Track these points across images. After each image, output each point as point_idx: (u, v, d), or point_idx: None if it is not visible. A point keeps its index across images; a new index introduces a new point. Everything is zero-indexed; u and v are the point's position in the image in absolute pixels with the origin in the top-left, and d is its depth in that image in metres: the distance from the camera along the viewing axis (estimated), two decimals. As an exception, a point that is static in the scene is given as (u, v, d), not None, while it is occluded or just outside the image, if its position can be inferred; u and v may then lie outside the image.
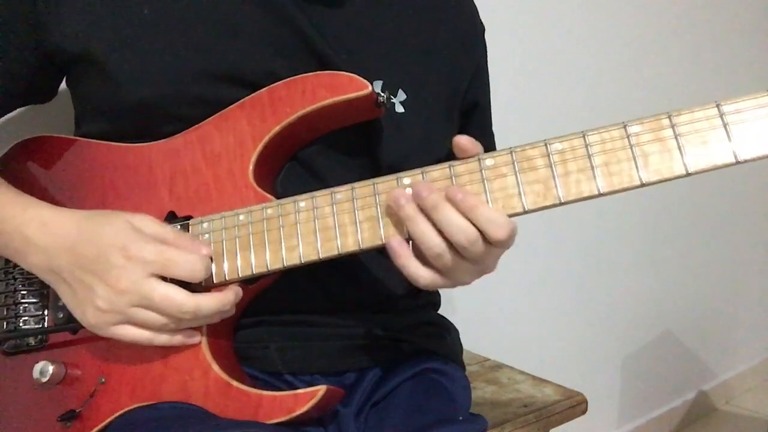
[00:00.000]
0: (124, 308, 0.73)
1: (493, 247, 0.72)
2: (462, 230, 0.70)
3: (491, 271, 0.77)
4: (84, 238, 0.75)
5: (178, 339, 0.77)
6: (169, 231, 0.77)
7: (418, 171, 0.75)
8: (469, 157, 0.74)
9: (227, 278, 0.79)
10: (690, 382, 2.66)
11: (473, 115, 1.04)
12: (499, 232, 0.70)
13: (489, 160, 0.73)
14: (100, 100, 0.86)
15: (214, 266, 0.79)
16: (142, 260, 0.73)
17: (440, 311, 1.10)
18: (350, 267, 0.90)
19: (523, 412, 1.21)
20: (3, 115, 0.92)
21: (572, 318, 2.15)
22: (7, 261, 0.88)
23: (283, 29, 0.86)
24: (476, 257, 0.71)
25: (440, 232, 0.71)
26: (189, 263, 0.74)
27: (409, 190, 0.73)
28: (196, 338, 0.78)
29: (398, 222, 0.74)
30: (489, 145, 1.06)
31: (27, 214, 0.78)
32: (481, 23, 1.05)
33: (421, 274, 0.73)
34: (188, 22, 0.84)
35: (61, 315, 0.84)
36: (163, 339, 0.77)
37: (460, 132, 1.00)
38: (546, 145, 0.72)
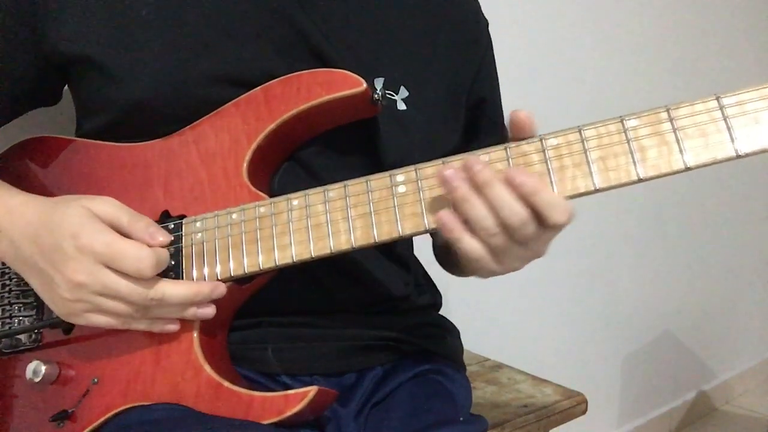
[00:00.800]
0: (88, 297, 0.73)
1: (547, 230, 0.70)
2: (514, 211, 0.67)
3: (542, 255, 0.74)
4: (44, 226, 0.74)
5: (158, 325, 0.77)
6: (124, 215, 0.75)
7: (411, 168, 0.74)
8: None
9: (219, 278, 0.78)
10: (690, 382, 2.67)
11: (482, 111, 1.02)
12: (560, 216, 0.67)
13: (484, 156, 0.72)
14: (99, 101, 0.86)
15: (206, 266, 0.78)
16: (91, 250, 0.71)
17: (440, 311, 1.09)
18: (350, 267, 0.89)
19: (523, 412, 1.21)
20: (9, 120, 0.92)
21: (572, 318, 2.15)
22: (3, 262, 0.87)
23: (283, 28, 0.86)
24: (526, 239, 0.69)
25: (491, 210, 0.68)
26: (135, 259, 0.72)
27: (447, 171, 0.70)
28: (176, 326, 0.77)
29: (440, 203, 0.72)
30: (502, 141, 1.05)
31: None
32: (485, 18, 1.04)
33: (475, 247, 0.70)
34: (186, 23, 0.84)
35: (54, 315, 0.83)
36: (140, 325, 0.76)
37: (470, 128, 1.00)
38: (541, 140, 0.71)
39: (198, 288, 0.76)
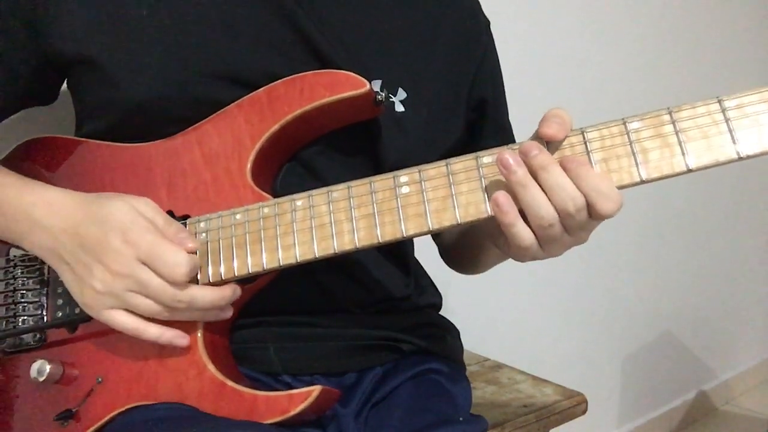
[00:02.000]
0: (120, 292, 0.74)
1: (594, 220, 0.69)
2: (571, 197, 0.67)
3: (583, 242, 0.74)
4: (88, 219, 0.75)
5: (167, 337, 0.77)
6: (159, 218, 0.77)
7: (415, 169, 0.75)
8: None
9: (223, 278, 0.78)
10: (690, 382, 2.67)
11: (484, 112, 1.02)
12: (611, 205, 0.67)
13: (487, 158, 0.72)
14: (100, 102, 0.86)
15: (210, 266, 0.78)
16: (137, 246, 0.73)
17: (440, 311, 1.09)
18: (351, 267, 0.90)
19: (523, 412, 1.21)
20: (5, 117, 0.92)
21: (572, 318, 2.15)
22: (8, 261, 0.88)
23: (283, 28, 0.86)
24: (577, 228, 0.69)
25: (549, 194, 0.68)
26: (173, 263, 0.73)
27: (507, 155, 0.69)
28: (185, 340, 0.78)
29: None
30: (506, 142, 1.05)
31: (32, 196, 0.79)
32: (485, 18, 1.04)
33: (526, 235, 0.70)
34: (187, 23, 0.84)
35: (60, 314, 0.84)
36: (152, 333, 0.76)
37: (472, 129, 1.00)
38: (544, 141, 0.71)
39: (222, 293, 0.77)
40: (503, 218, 0.69)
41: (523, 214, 0.70)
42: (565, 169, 0.68)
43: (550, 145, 0.71)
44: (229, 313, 0.80)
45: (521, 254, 0.73)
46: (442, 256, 1.12)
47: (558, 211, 0.68)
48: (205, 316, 0.78)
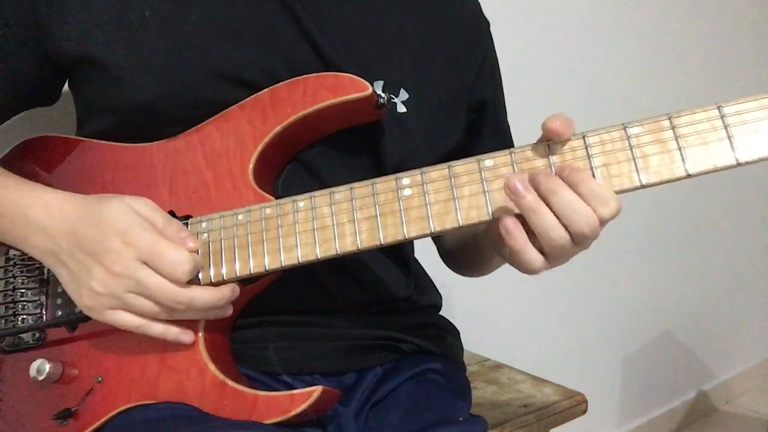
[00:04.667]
0: (119, 293, 0.73)
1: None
2: (586, 220, 0.67)
3: (587, 248, 0.73)
4: (85, 220, 0.75)
5: (172, 333, 0.77)
6: (159, 218, 0.77)
7: (417, 171, 0.75)
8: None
9: (225, 278, 0.78)
10: (690, 382, 2.67)
11: (483, 114, 1.02)
12: (606, 210, 0.67)
13: (488, 161, 0.73)
14: (102, 102, 0.86)
15: (212, 266, 0.79)
16: (136, 247, 0.73)
17: (441, 312, 1.09)
18: (352, 267, 0.90)
19: (523, 412, 1.21)
20: (8, 118, 0.92)
21: (572, 318, 2.15)
22: (7, 260, 0.88)
23: (286, 29, 0.86)
24: (586, 242, 0.69)
25: (559, 219, 0.68)
26: (173, 261, 0.73)
27: (514, 181, 0.68)
28: (189, 336, 0.78)
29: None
30: (504, 144, 1.05)
31: (30, 199, 0.79)
32: (486, 19, 1.04)
33: (535, 259, 0.70)
34: (190, 24, 0.84)
35: (60, 313, 0.84)
36: (157, 330, 0.76)
37: (471, 131, 1.00)
38: (546, 146, 0.71)
39: (221, 293, 0.77)
40: (513, 244, 0.70)
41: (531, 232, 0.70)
42: (559, 176, 0.68)
43: (552, 147, 0.71)
44: (229, 312, 0.80)
45: (524, 269, 0.73)
46: (442, 258, 1.13)
47: (572, 234, 0.68)
48: (205, 316, 0.78)
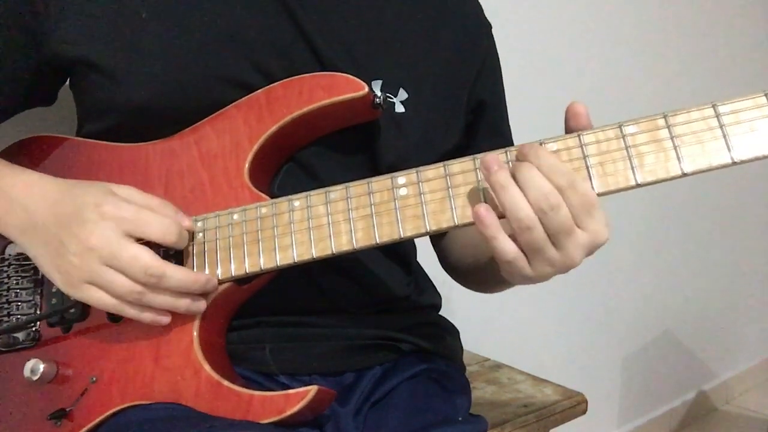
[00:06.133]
0: (93, 265, 0.73)
1: (577, 231, 0.69)
2: (544, 193, 0.66)
3: (576, 264, 0.72)
4: (65, 198, 0.76)
5: (147, 315, 0.76)
6: (154, 198, 0.77)
7: (413, 171, 0.75)
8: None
9: (220, 278, 0.78)
10: (690, 382, 2.67)
11: (482, 114, 1.02)
12: (578, 198, 0.67)
13: (486, 160, 0.72)
14: (100, 103, 0.86)
15: (207, 266, 0.79)
16: (115, 217, 0.73)
17: (441, 311, 1.09)
18: (350, 268, 0.90)
19: (523, 412, 1.21)
20: (6, 119, 0.92)
21: (572, 318, 2.15)
22: (2, 260, 0.88)
23: (283, 30, 0.86)
24: (560, 231, 0.68)
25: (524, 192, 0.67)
26: (163, 224, 0.74)
27: (489, 158, 0.69)
28: (167, 318, 0.78)
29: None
30: (504, 144, 1.05)
31: (13, 178, 0.80)
32: (487, 21, 1.04)
33: (508, 248, 0.69)
34: (187, 26, 0.84)
35: (50, 310, 0.84)
36: (131, 311, 0.76)
37: (469, 131, 1.00)
38: (541, 144, 0.71)
39: (195, 276, 0.76)
40: (485, 231, 0.69)
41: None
42: (520, 154, 0.69)
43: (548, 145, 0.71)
44: (202, 307, 0.78)
45: (509, 271, 0.72)
46: (446, 270, 1.11)
47: (537, 210, 0.67)
48: (176, 304, 0.76)
